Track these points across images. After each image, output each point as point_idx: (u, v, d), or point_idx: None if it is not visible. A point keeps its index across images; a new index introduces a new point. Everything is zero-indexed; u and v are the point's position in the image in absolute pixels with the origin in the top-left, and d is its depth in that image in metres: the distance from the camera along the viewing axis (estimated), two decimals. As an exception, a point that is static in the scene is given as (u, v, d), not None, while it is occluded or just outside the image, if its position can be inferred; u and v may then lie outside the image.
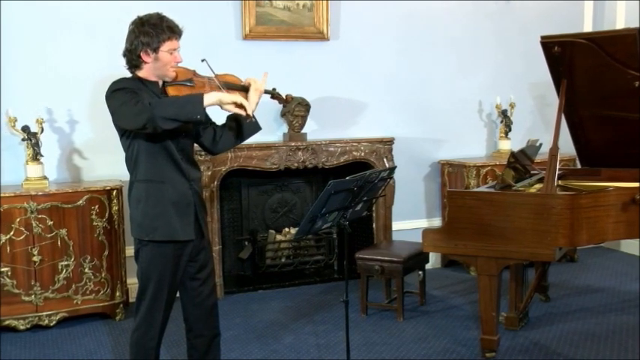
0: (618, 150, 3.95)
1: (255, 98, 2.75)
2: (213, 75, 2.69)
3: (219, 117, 2.92)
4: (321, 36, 4.96)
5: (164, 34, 2.59)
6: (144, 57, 2.61)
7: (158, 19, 2.61)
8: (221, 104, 2.54)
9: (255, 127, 2.84)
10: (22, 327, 4.02)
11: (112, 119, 2.61)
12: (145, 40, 2.58)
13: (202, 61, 2.66)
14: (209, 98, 2.49)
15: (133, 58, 2.63)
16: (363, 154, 4.95)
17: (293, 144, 4.76)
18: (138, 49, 2.60)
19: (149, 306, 2.71)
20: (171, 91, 2.66)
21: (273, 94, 2.93)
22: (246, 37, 4.77)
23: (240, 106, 2.56)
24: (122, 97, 2.52)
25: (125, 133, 2.65)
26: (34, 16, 4.29)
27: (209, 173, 4.49)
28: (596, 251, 5.72)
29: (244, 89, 2.78)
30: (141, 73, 2.66)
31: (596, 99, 3.85)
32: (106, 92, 2.60)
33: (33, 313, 4.04)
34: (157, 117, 2.42)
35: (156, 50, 2.59)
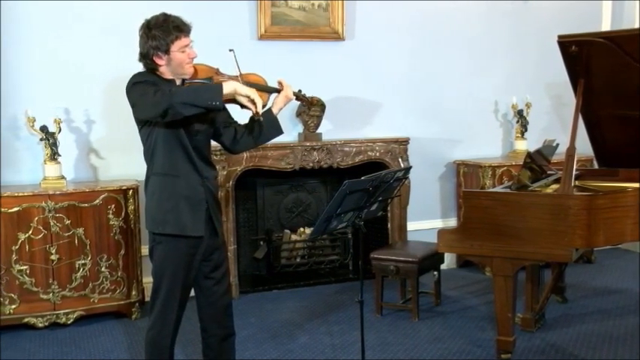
0: (636, 150, 3.91)
1: (281, 104, 2.82)
2: (237, 74, 2.71)
3: (240, 116, 2.94)
4: (336, 36, 4.96)
5: (171, 35, 2.60)
6: (157, 60, 2.63)
7: (163, 21, 2.62)
8: (235, 94, 2.56)
9: (277, 130, 2.86)
10: (40, 325, 4.06)
11: (132, 112, 2.63)
12: (153, 44, 2.60)
13: (230, 50, 2.67)
14: (227, 87, 2.52)
15: (147, 63, 2.66)
16: (378, 154, 4.94)
17: (308, 144, 4.76)
18: (150, 54, 2.62)
19: (163, 304, 2.72)
20: None
21: (298, 96, 2.93)
22: (261, 37, 4.78)
23: (252, 102, 2.58)
24: (142, 88, 2.54)
25: (144, 126, 2.66)
26: (51, 16, 4.33)
27: (224, 173, 4.51)
28: (613, 252, 5.66)
29: (267, 90, 2.79)
30: (158, 73, 2.68)
31: (614, 98, 3.81)
32: (127, 85, 2.62)
33: (51, 311, 4.08)
34: (176, 103, 2.43)
35: (167, 52, 2.61)
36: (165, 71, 2.67)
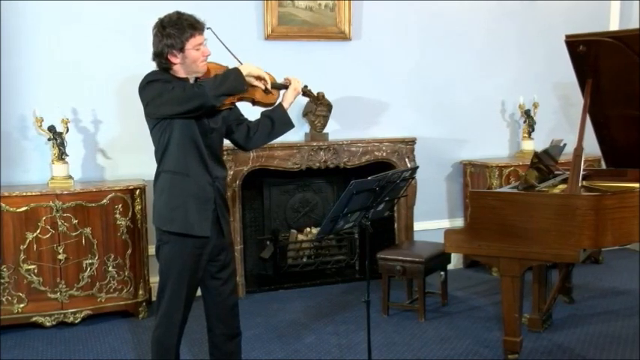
0: (645, 150, 3.89)
1: (291, 98, 2.84)
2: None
3: (249, 113, 2.95)
4: (343, 36, 4.96)
5: (186, 33, 2.61)
6: (172, 59, 2.63)
7: (177, 19, 2.63)
8: (248, 75, 2.64)
9: (288, 125, 2.89)
10: (48, 324, 4.08)
11: (144, 111, 2.64)
12: (168, 42, 2.60)
13: (207, 28, 2.69)
14: (244, 70, 2.62)
15: (162, 62, 2.66)
16: (384, 154, 4.94)
17: (315, 144, 4.76)
18: (164, 52, 2.62)
19: (168, 304, 2.73)
20: None
21: (305, 92, 2.95)
22: (268, 37, 4.79)
23: (262, 80, 2.67)
24: (160, 86, 2.56)
25: (157, 125, 2.66)
26: (59, 16, 4.35)
27: (231, 173, 4.51)
28: (621, 253, 5.63)
29: (276, 87, 2.81)
30: (172, 72, 2.68)
31: (622, 98, 3.79)
32: (140, 84, 2.62)
33: (58, 310, 4.10)
34: (211, 97, 2.51)
35: (182, 50, 2.62)
36: (179, 70, 2.67)
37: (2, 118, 4.29)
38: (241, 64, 2.69)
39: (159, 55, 2.64)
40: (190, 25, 2.62)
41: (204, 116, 2.65)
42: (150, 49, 2.68)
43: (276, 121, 2.86)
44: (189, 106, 2.53)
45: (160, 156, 2.71)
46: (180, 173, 2.67)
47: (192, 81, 2.71)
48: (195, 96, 2.51)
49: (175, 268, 2.71)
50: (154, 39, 2.65)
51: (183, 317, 2.77)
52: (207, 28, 2.70)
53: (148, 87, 2.59)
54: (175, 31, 2.60)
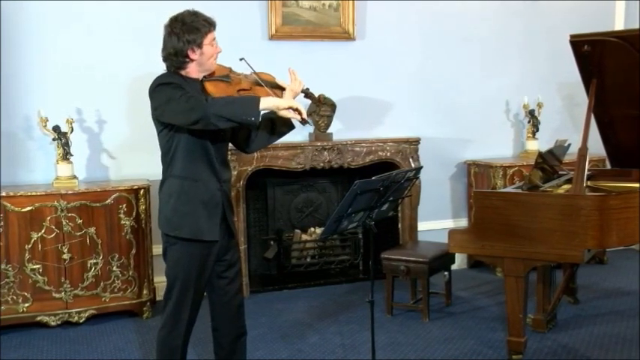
0: (650, 150, 3.89)
1: (290, 99, 2.80)
2: (250, 72, 2.73)
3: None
4: (347, 36, 4.96)
5: (204, 28, 2.62)
6: (191, 55, 2.62)
7: (193, 15, 2.63)
8: (277, 110, 2.58)
9: (289, 126, 2.86)
10: (53, 323, 4.09)
11: (153, 114, 2.62)
12: (190, 37, 2.59)
13: (241, 59, 2.69)
14: (266, 102, 2.53)
15: (178, 60, 2.62)
16: (388, 154, 4.94)
17: (319, 144, 4.76)
18: (184, 48, 2.59)
19: (175, 304, 2.73)
20: (209, 86, 2.68)
21: (307, 93, 2.94)
22: (272, 37, 4.79)
23: (296, 110, 2.60)
24: (170, 92, 2.53)
25: (165, 129, 2.65)
26: (65, 16, 4.36)
27: (235, 173, 4.51)
28: (626, 253, 5.61)
29: (279, 87, 2.80)
30: (183, 72, 2.67)
31: (627, 98, 3.78)
32: (150, 87, 2.60)
33: (63, 310, 4.11)
34: (211, 115, 2.44)
35: (200, 45, 2.61)
36: (193, 68, 2.65)
37: (7, 118, 4.30)
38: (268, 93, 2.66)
39: (177, 54, 2.61)
40: (205, 20, 2.64)
41: (212, 134, 2.61)
42: (153, 49, 2.67)
43: (277, 122, 2.84)
44: (190, 119, 2.48)
45: (168, 161, 2.68)
46: (188, 178, 2.66)
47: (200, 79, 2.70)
48: (195, 108, 2.45)
49: (183, 270, 2.70)
50: (170, 37, 2.61)
51: (191, 318, 2.77)
52: (241, 59, 2.70)
53: (159, 90, 2.57)
54: (196, 25, 2.60)
